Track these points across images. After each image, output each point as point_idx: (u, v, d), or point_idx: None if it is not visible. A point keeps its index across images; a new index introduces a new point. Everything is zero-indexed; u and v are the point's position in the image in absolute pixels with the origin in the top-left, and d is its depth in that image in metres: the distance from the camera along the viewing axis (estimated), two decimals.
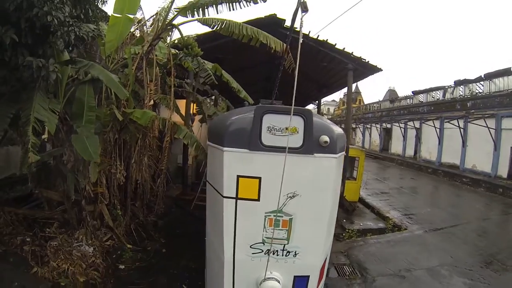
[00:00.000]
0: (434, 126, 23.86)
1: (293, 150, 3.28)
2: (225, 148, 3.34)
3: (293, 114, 3.24)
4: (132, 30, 7.25)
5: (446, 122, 22.76)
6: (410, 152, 29.18)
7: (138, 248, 7.37)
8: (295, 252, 3.58)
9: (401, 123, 29.94)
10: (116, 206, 7.43)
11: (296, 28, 3.50)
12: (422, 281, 6.88)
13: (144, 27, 8.24)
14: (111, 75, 5.73)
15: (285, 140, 3.24)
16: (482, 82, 22.17)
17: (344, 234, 9.37)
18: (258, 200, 3.37)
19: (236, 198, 3.37)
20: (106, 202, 7.06)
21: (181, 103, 9.80)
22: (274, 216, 3.41)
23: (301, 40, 2.84)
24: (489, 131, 18.40)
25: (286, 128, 3.34)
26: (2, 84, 4.90)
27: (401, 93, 41.24)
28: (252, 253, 3.53)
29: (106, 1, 7.51)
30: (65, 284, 5.50)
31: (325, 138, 3.35)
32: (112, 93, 6.19)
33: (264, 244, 3.50)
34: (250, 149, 3.32)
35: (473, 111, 20.29)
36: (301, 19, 3.37)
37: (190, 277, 6.59)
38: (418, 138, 27.43)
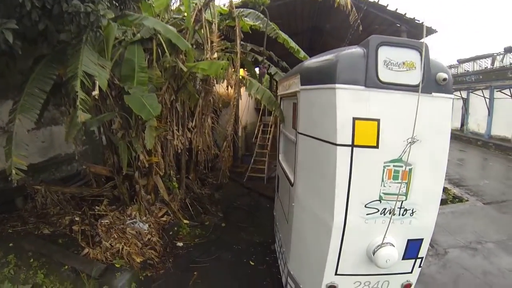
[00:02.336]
0: (484, 96, 22.29)
1: (411, 88, 2.86)
2: (338, 85, 2.83)
3: (410, 47, 2.88)
4: None
5: (497, 91, 21.17)
6: (456, 124, 27.30)
7: (196, 223, 7.05)
8: (412, 210, 3.09)
9: None
10: (171, 178, 7.07)
11: None
12: (495, 254, 6.51)
13: None
14: (168, 27, 5.27)
15: (403, 76, 2.86)
16: None
17: None
18: (376, 147, 2.87)
19: (352, 145, 2.86)
20: (161, 174, 6.69)
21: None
22: (393, 166, 2.91)
23: None
24: None
25: (403, 63, 2.88)
26: (43, 41, 4.45)
27: (443, 63, 38.78)
28: (367, 214, 3.03)
29: None
30: (121, 265, 5.12)
31: (444, 75, 2.94)
32: (166, 52, 5.72)
33: (380, 202, 3.01)
34: (367, 86, 2.83)
35: None
36: None
37: (256, 252, 6.20)
38: (465, 109, 25.78)
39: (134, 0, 5.36)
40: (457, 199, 9.96)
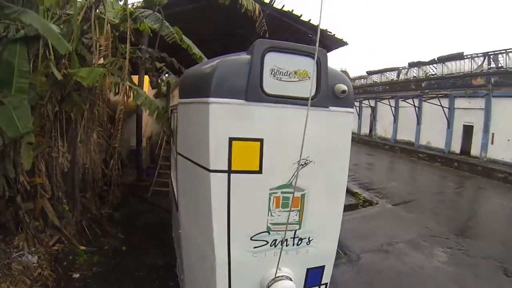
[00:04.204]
0: (390, 105, 24.53)
1: (303, 102, 2.45)
2: (211, 99, 2.36)
3: (303, 54, 2.49)
4: None
5: (402, 101, 23.45)
6: (365, 130, 29.94)
7: (94, 249, 6.22)
8: (308, 239, 2.76)
9: (355, 101, 30.27)
10: (61, 200, 6.16)
11: None
12: (406, 253, 6.80)
13: None
14: (49, 25, 4.50)
15: (294, 87, 2.48)
16: (435, 65, 23.15)
17: None
18: (259, 172, 2.47)
19: (229, 171, 2.43)
20: (48, 196, 5.76)
21: (135, 79, 8.65)
22: (282, 193, 2.55)
23: None
24: (443, 110, 19.42)
25: (295, 72, 2.51)
26: None
27: (353, 74, 42.36)
28: (254, 248, 2.62)
29: None
30: None
31: (343, 87, 2.62)
32: (51, 53, 4.90)
33: (269, 234, 2.63)
34: (248, 99, 2.41)
35: (427, 91, 21.23)
36: None
37: (159, 278, 5.62)
38: (373, 117, 28.21)
39: None
40: (367, 203, 10.31)
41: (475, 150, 17.74)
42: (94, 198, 7.52)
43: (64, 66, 5.15)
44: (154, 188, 9.72)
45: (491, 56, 18.80)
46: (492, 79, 17.09)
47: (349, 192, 11.26)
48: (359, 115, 30.57)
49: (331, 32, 11.02)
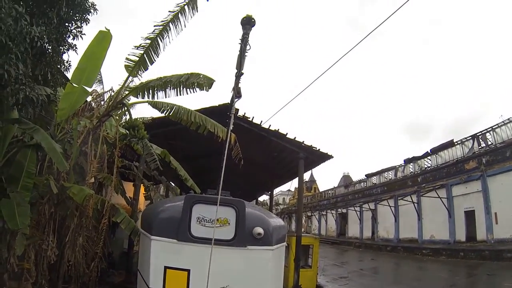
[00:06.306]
0: (389, 205, 24.48)
1: (224, 243, 3.23)
2: (152, 237, 3.24)
3: (225, 205, 3.26)
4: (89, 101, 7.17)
5: (400, 199, 23.56)
6: (367, 233, 29.19)
7: None
8: None
9: (356, 206, 30.37)
10: (43, 287, 6.59)
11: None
12: None
13: (102, 102, 8.21)
14: (54, 144, 5.47)
15: (216, 231, 3.17)
16: (429, 157, 23.86)
17: None
18: None
19: None
20: (32, 281, 6.22)
21: (131, 186, 9.47)
22: None
23: (231, 127, 3.02)
24: (442, 200, 19.37)
25: (217, 220, 3.28)
26: None
27: (355, 177, 43.07)
28: None
29: (69, 67, 7.42)
30: None
31: (259, 230, 3.32)
32: (54, 163, 5.89)
33: None
34: (179, 240, 3.22)
35: (424, 185, 21.50)
36: (233, 104, 3.50)
37: None
38: (374, 219, 27.75)
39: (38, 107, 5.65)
40: None
41: (480, 234, 17.01)
42: None
43: (63, 178, 6.12)
44: None
45: (480, 136, 19.15)
46: (484, 159, 17.24)
47: None
48: (360, 220, 30.30)
49: (316, 148, 11.43)
